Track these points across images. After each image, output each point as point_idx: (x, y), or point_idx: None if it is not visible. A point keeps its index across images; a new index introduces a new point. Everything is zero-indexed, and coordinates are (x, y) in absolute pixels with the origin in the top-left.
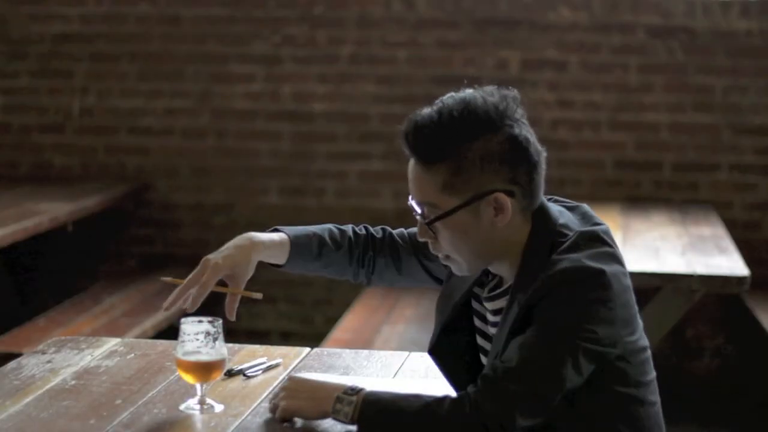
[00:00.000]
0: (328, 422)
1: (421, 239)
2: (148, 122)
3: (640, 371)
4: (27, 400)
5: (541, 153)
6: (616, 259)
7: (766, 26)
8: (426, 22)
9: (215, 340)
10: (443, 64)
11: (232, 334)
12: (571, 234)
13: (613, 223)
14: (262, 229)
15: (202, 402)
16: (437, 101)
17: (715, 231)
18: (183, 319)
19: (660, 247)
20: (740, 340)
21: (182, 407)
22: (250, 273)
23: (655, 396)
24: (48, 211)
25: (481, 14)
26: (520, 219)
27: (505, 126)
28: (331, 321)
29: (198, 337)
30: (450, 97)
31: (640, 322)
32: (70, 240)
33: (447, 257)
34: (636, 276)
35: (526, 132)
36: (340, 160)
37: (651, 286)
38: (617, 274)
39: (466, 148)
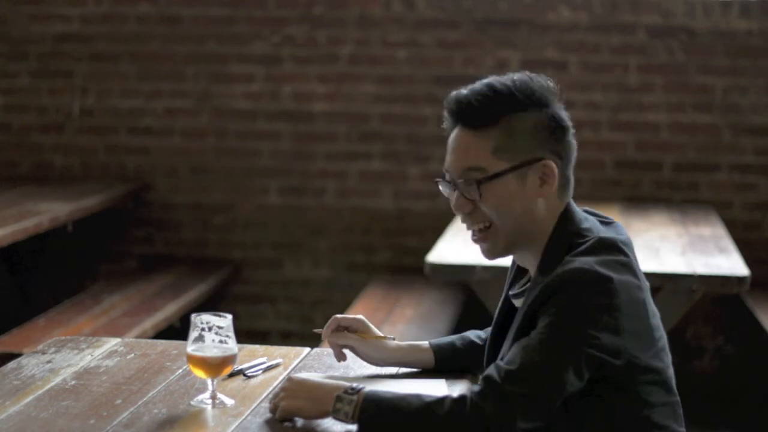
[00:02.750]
0: (328, 422)
1: (458, 212)
2: (148, 122)
3: (653, 391)
4: (27, 400)
5: (575, 147)
6: (631, 270)
7: (766, 26)
8: (426, 22)
9: (227, 335)
10: (443, 64)
11: None
12: (589, 238)
13: None
14: (261, 228)
15: (213, 397)
16: (497, 76)
17: (715, 231)
18: (194, 315)
19: (660, 247)
20: (740, 340)
21: (194, 402)
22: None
23: (671, 421)
24: (48, 211)
25: (481, 14)
26: (555, 202)
27: (553, 104)
28: None
29: (209, 333)
30: (507, 74)
31: (659, 342)
32: (70, 240)
33: (482, 232)
34: None
35: (568, 117)
36: (340, 160)
37: (651, 286)
38: (628, 285)
39: (520, 115)
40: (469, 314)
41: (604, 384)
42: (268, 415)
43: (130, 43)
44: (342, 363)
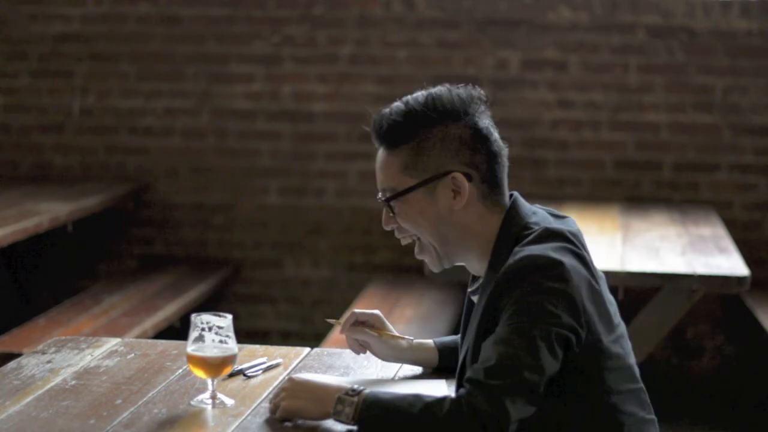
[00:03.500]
0: (328, 422)
1: (386, 227)
2: (148, 122)
3: (617, 377)
4: (27, 400)
5: (503, 148)
6: (580, 257)
7: (766, 26)
8: (426, 22)
9: (227, 335)
10: (443, 64)
11: None
12: (536, 228)
13: (613, 223)
14: (261, 228)
15: (213, 397)
16: (407, 96)
17: (715, 231)
18: (194, 315)
19: (660, 247)
20: (740, 340)
21: (194, 402)
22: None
23: (637, 408)
24: (48, 211)
25: (481, 14)
26: (482, 208)
27: (468, 115)
28: None
29: (209, 333)
30: (415, 94)
31: (618, 329)
32: (70, 240)
33: (420, 248)
34: (636, 276)
35: (489, 125)
36: (340, 159)
37: (651, 286)
38: (578, 269)
39: (428, 131)
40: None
41: (569, 372)
42: (269, 415)
43: (130, 43)
44: (342, 363)
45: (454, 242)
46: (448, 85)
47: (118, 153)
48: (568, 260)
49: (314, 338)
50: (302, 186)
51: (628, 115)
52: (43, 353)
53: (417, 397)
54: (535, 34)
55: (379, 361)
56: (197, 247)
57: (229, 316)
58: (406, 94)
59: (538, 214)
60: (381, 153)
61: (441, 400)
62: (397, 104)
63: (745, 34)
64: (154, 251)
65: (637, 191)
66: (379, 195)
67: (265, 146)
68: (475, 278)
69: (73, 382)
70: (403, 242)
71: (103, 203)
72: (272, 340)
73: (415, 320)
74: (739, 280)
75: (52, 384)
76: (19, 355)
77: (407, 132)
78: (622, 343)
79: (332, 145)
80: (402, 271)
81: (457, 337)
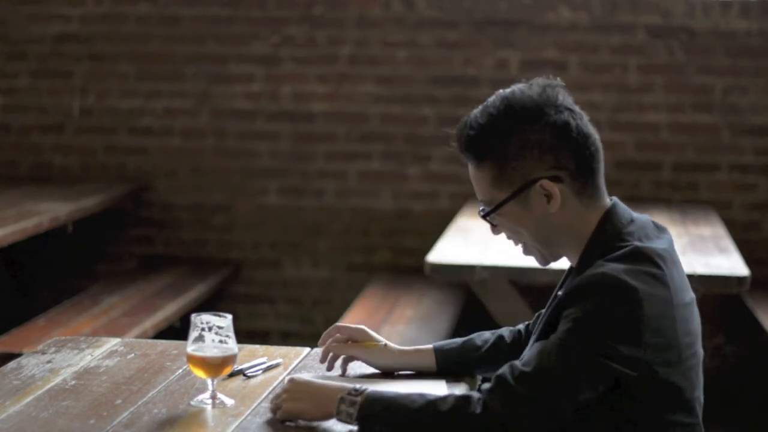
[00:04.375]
0: (328, 422)
1: (495, 235)
2: (148, 122)
3: (666, 407)
4: (27, 400)
5: (588, 135)
6: (662, 283)
7: (765, 26)
8: (425, 22)
9: (227, 335)
10: (443, 65)
11: None
12: (627, 244)
13: None
14: (260, 229)
15: (213, 397)
16: (487, 100)
17: (715, 231)
18: (194, 315)
19: None
20: (740, 340)
21: (193, 402)
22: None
23: None
24: (48, 212)
25: (480, 14)
26: (579, 205)
27: (544, 115)
28: (331, 321)
29: (209, 333)
30: (495, 95)
31: (689, 361)
32: (69, 240)
33: (526, 249)
34: None
35: (569, 117)
36: (339, 160)
37: None
38: (655, 298)
39: (507, 142)
40: (468, 314)
41: (619, 394)
42: (269, 415)
43: (130, 44)
44: (340, 363)
45: (556, 242)
46: (520, 86)
47: (117, 153)
48: (645, 287)
49: (314, 338)
50: (302, 186)
51: (628, 115)
52: (43, 353)
53: (420, 395)
54: (535, 35)
55: None
56: (197, 247)
57: (229, 316)
58: (406, 95)
59: (636, 222)
60: (470, 167)
61: (445, 397)
62: (474, 115)
63: (744, 34)
64: (153, 251)
65: (637, 191)
66: (480, 208)
67: (265, 146)
68: (565, 279)
69: (73, 382)
70: (516, 245)
71: (103, 203)
72: (272, 340)
73: (414, 320)
74: (739, 280)
75: (52, 384)
76: (19, 355)
77: (487, 146)
78: (689, 376)
79: (332, 146)
80: (401, 271)
81: (458, 343)
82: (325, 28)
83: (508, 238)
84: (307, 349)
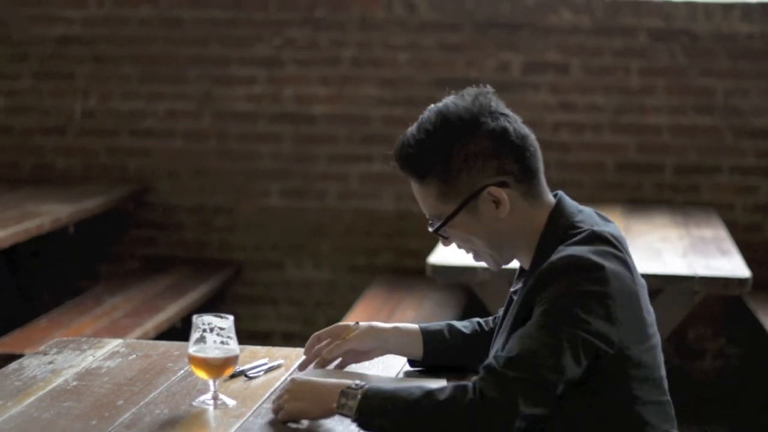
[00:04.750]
0: (329, 422)
1: (445, 247)
2: (150, 124)
3: (643, 387)
4: (29, 401)
5: (526, 136)
6: (624, 263)
7: (767, 29)
8: (427, 24)
9: (228, 336)
10: (445, 67)
11: None
12: (584, 229)
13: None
14: (262, 230)
15: (215, 398)
16: (420, 116)
17: (716, 233)
18: (196, 316)
19: (662, 249)
20: (742, 341)
21: (195, 402)
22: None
23: (661, 421)
24: (49, 213)
25: (482, 17)
26: (527, 205)
27: (480, 125)
28: (333, 322)
29: (211, 334)
30: (428, 111)
31: (652, 339)
32: (71, 241)
33: (476, 256)
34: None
35: (504, 122)
36: (341, 162)
37: (652, 287)
38: (620, 275)
39: (448, 156)
40: (470, 315)
41: (596, 378)
42: (270, 416)
43: (132, 46)
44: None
45: (508, 244)
46: (452, 98)
47: (119, 155)
48: (610, 265)
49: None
50: (304, 188)
51: (630, 117)
52: (45, 354)
53: (418, 387)
54: (537, 37)
55: (381, 362)
56: (199, 248)
57: (231, 318)
58: (408, 97)
59: (584, 212)
60: (413, 185)
61: (443, 388)
62: (411, 133)
63: (746, 37)
64: (155, 253)
65: (639, 193)
66: (429, 223)
67: (267, 149)
68: (519, 277)
69: (75, 383)
70: (468, 253)
71: (105, 205)
72: (274, 341)
73: (416, 322)
74: (740, 281)
75: (53, 385)
76: (20, 356)
77: (428, 163)
78: (654, 354)
79: (334, 148)
80: (403, 272)
81: (443, 325)
82: (327, 30)
83: (459, 247)
84: None
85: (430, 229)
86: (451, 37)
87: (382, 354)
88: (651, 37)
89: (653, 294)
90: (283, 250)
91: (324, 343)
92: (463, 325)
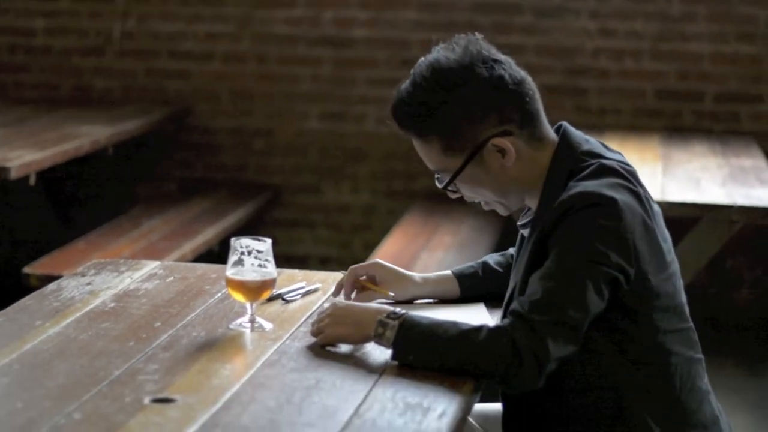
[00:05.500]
0: (365, 349)
1: (453, 197)
2: (189, 46)
3: (665, 316)
4: (67, 321)
5: (522, 80)
6: (635, 194)
7: None
8: None
9: (266, 260)
10: None
11: None
12: (591, 162)
13: (653, 153)
14: (300, 154)
15: (252, 321)
16: (412, 70)
17: (755, 162)
18: (233, 239)
19: (700, 178)
20: None
21: (232, 325)
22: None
23: (685, 348)
24: (88, 134)
25: None
26: (531, 149)
27: (475, 75)
28: (370, 247)
29: (249, 257)
30: (419, 66)
31: (671, 267)
32: (110, 163)
33: (486, 205)
34: (676, 206)
35: (499, 70)
36: (380, 86)
37: (691, 216)
38: (633, 206)
39: (446, 110)
40: (507, 241)
41: (618, 312)
42: (307, 339)
43: None
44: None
45: (516, 191)
46: (442, 50)
47: (158, 77)
48: (622, 197)
49: (353, 263)
50: (342, 111)
51: (670, 44)
52: (83, 275)
53: (455, 324)
54: None
55: None
56: (237, 171)
57: (269, 241)
58: (448, 21)
59: (590, 141)
60: (414, 141)
61: (478, 328)
62: (407, 91)
63: None
64: (193, 175)
65: (678, 121)
66: (436, 177)
67: (306, 71)
68: (526, 211)
69: (113, 305)
70: (476, 202)
71: (143, 127)
72: (311, 265)
73: (453, 247)
74: None
75: (91, 306)
76: (59, 277)
77: (428, 121)
78: (674, 282)
79: (373, 71)
80: (441, 197)
81: (475, 267)
82: None
83: (468, 199)
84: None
85: (439, 185)
86: None
87: (414, 299)
88: None
89: (691, 223)
90: (321, 173)
91: (352, 281)
92: (497, 262)
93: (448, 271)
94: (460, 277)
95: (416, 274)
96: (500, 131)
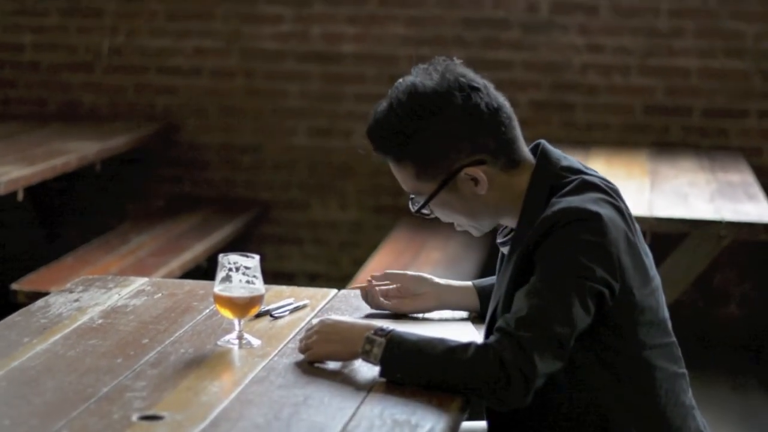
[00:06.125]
0: (352, 366)
1: (428, 218)
2: (177, 62)
3: (649, 331)
4: (54, 338)
5: (498, 108)
6: (618, 209)
7: None
8: None
9: (254, 276)
10: (473, 6)
11: None
12: (572, 177)
13: (641, 168)
14: (288, 169)
15: (240, 337)
16: (390, 92)
17: (743, 177)
18: (221, 255)
19: (688, 193)
20: (767, 286)
21: (220, 342)
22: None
23: (669, 363)
24: (76, 150)
25: None
26: (507, 175)
27: (451, 103)
28: (358, 263)
29: (237, 273)
30: (396, 89)
31: (653, 281)
32: (98, 179)
33: (459, 227)
34: (664, 222)
35: (476, 97)
36: (368, 101)
37: (679, 232)
38: (615, 221)
39: (420, 138)
40: (495, 257)
41: (602, 327)
42: (295, 355)
43: None
44: (367, 306)
45: (490, 216)
46: (420, 75)
47: (146, 92)
48: (606, 212)
49: (341, 280)
50: (330, 127)
51: (658, 60)
52: (71, 292)
53: (442, 341)
54: None
55: None
56: (225, 187)
57: (257, 257)
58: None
59: (569, 158)
60: (390, 164)
61: (466, 345)
62: (383, 114)
63: None
64: (182, 191)
65: (666, 137)
66: (410, 199)
67: (294, 87)
68: (503, 229)
69: (100, 321)
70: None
71: (132, 143)
72: (299, 281)
73: (441, 263)
74: (766, 226)
75: (79, 322)
76: (46, 293)
77: (402, 146)
78: (657, 296)
79: (361, 87)
80: None
81: (493, 279)
82: None
83: (444, 220)
84: (334, 291)
85: (412, 208)
86: None
87: (438, 309)
88: None
89: (679, 238)
90: (309, 189)
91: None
92: None
93: (469, 283)
94: (479, 287)
95: (439, 281)
96: (474, 160)
